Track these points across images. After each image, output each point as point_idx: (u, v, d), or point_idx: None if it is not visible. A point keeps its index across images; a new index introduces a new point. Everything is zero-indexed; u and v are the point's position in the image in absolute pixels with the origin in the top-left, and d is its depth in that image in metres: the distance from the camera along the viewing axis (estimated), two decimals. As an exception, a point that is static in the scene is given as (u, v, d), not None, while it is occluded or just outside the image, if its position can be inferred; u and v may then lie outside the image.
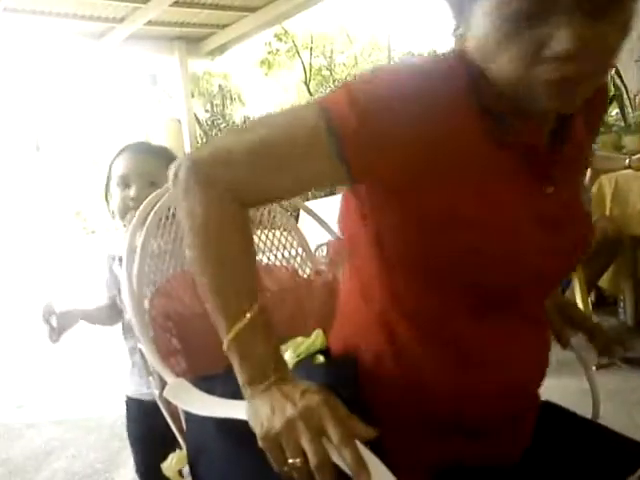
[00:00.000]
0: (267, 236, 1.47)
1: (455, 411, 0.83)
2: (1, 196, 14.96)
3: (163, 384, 1.03)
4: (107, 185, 1.65)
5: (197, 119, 7.33)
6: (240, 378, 0.78)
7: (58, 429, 2.87)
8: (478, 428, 0.85)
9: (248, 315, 0.76)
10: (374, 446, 0.70)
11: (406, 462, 0.81)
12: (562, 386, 2.30)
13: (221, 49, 6.36)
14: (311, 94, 14.15)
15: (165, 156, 1.67)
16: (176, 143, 6.18)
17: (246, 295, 0.78)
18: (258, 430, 0.73)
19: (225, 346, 0.78)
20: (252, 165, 0.77)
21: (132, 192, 1.57)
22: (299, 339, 1.08)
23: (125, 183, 1.59)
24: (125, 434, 1.72)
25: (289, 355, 1.04)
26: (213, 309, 0.79)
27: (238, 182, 0.78)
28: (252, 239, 0.84)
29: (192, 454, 1.00)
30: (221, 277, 0.78)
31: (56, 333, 1.49)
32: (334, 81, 16.25)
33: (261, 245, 1.47)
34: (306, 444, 0.67)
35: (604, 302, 3.40)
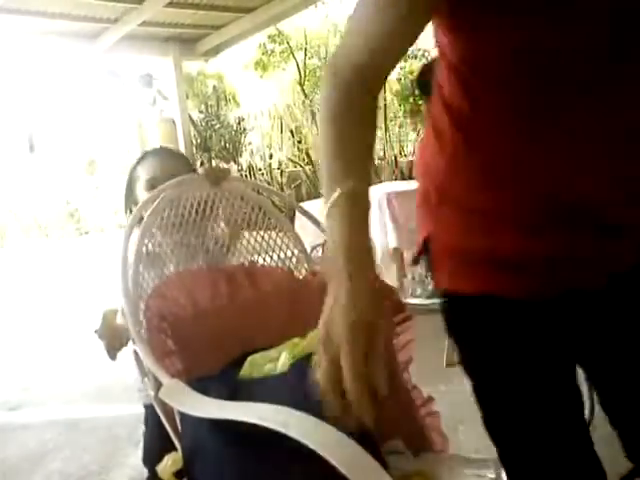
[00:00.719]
0: (263, 237, 1.47)
1: (552, 191, 0.80)
2: (-5, 197, 14.92)
3: (158, 385, 1.03)
4: (130, 190, 1.66)
5: (191, 120, 7.31)
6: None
7: (53, 430, 2.86)
8: (587, 216, 0.80)
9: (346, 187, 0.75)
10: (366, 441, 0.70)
11: (513, 256, 0.82)
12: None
13: (215, 50, 6.34)
14: (306, 95, 14.12)
15: (184, 159, 1.76)
16: (170, 144, 6.16)
17: (360, 166, 0.79)
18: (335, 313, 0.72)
19: (324, 208, 0.77)
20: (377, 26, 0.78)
21: None
22: (295, 340, 1.09)
23: (155, 186, 1.59)
24: (121, 435, 1.71)
25: (285, 356, 1.05)
26: (323, 165, 0.80)
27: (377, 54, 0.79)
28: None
29: (187, 455, 1.00)
30: (344, 139, 0.79)
31: (113, 351, 1.48)
32: (329, 82, 16.23)
33: (257, 247, 1.47)
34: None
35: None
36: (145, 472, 1.60)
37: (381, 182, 5.86)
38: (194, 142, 7.11)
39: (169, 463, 0.99)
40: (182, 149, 5.93)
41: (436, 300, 1.47)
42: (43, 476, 2.41)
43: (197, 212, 1.38)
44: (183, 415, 1.00)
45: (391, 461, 1.05)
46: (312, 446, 0.71)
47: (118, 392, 3.08)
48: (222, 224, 1.44)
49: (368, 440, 0.94)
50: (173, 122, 6.29)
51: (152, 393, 1.09)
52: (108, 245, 9.28)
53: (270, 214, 1.48)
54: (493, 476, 1.06)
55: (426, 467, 1.14)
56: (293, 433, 0.74)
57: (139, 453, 1.68)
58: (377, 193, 3.77)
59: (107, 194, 14.88)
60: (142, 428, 1.65)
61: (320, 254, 1.49)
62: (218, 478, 0.93)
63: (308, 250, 1.52)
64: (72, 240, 13.95)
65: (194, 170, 1.76)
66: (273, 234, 1.49)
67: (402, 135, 9.86)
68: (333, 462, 0.68)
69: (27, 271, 9.97)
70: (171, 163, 1.67)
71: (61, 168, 15.81)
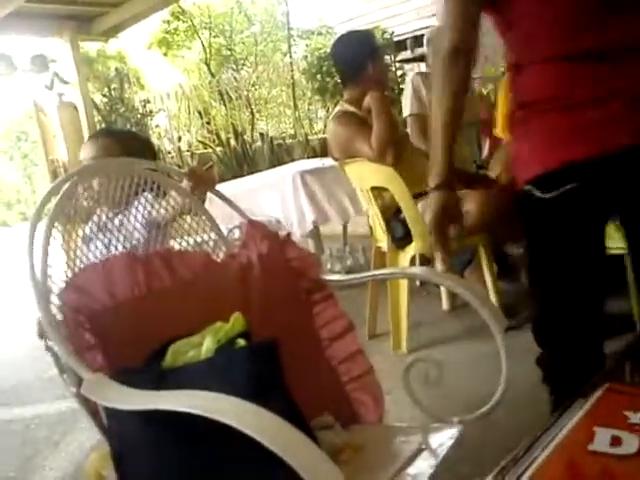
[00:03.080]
0: (178, 222, 1.44)
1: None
2: None
3: (79, 381, 0.98)
4: None
5: (94, 104, 6.98)
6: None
7: (-38, 437, 2.70)
8: None
9: None
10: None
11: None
12: (474, 350, 2.41)
13: (115, 29, 6.05)
14: (212, 75, 13.82)
15: (135, 138, 1.80)
16: (74, 130, 5.88)
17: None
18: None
19: None
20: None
21: None
22: (218, 324, 1.07)
23: None
24: (40, 437, 1.63)
25: (209, 341, 1.03)
26: None
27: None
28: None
29: (117, 451, 0.96)
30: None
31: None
32: (235, 60, 15.98)
33: (172, 231, 1.43)
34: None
35: (508, 269, 3.56)
36: (67, 474, 1.55)
37: (293, 161, 5.85)
38: (99, 127, 6.80)
39: (95, 461, 0.96)
40: (86, 135, 5.66)
41: (354, 275, 1.50)
42: (-45, 487, 2.28)
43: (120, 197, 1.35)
44: (109, 411, 0.96)
45: (321, 436, 1.06)
46: (242, 428, 0.71)
47: (34, 391, 2.94)
48: (147, 208, 1.40)
49: (298, 418, 0.95)
50: (75, 107, 5.98)
51: (73, 390, 1.04)
52: (13, 239, 8.79)
53: (183, 197, 1.45)
54: (420, 440, 1.10)
55: (355, 438, 1.16)
56: (224, 418, 0.73)
57: (61, 454, 1.61)
58: (290, 172, 3.76)
59: (6, 185, 14.06)
60: (62, 428, 1.59)
61: (237, 236, 1.47)
62: (152, 469, 0.92)
63: (224, 232, 1.50)
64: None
65: (154, 155, 1.76)
66: (188, 218, 1.46)
67: (312, 113, 9.88)
68: (265, 442, 0.68)
69: None
70: (114, 142, 1.65)
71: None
